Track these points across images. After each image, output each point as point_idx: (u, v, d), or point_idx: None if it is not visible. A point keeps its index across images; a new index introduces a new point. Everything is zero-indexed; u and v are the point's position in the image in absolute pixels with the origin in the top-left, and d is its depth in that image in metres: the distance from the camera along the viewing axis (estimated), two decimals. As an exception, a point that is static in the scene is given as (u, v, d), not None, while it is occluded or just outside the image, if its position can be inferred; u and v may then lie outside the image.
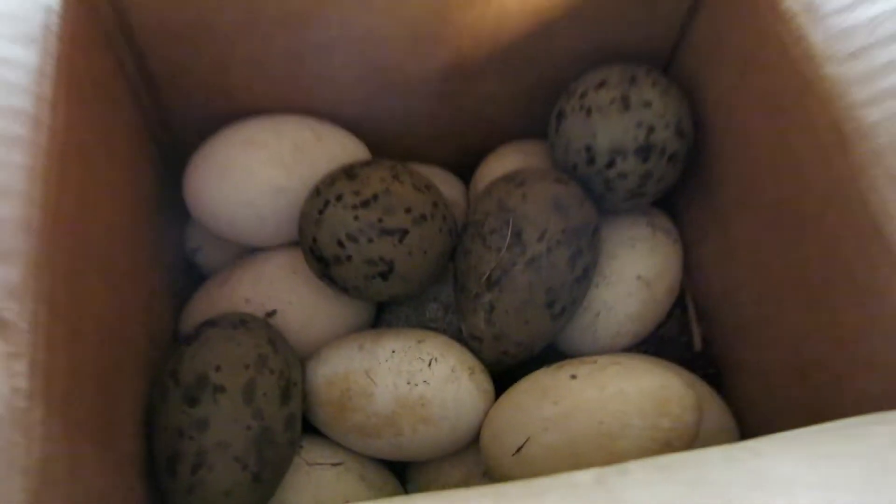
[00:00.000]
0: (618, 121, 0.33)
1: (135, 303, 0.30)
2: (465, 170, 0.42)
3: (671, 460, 0.19)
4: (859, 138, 0.26)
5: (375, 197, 0.31)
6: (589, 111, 0.34)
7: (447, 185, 0.40)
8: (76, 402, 0.22)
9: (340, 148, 0.35)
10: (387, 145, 0.39)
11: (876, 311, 0.26)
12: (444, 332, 0.34)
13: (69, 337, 0.22)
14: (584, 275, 0.32)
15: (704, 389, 0.35)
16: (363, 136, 0.38)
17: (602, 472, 0.19)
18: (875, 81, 0.26)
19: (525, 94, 0.38)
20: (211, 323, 0.30)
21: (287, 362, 0.30)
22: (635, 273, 0.36)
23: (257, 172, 0.33)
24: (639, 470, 0.19)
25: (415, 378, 0.31)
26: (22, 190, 0.22)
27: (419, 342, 0.32)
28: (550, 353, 0.37)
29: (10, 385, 0.19)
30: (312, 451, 0.32)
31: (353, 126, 0.37)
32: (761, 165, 0.32)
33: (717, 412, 0.34)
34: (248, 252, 0.37)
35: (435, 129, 0.40)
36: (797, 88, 0.28)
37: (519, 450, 0.29)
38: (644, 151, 0.33)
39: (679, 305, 0.38)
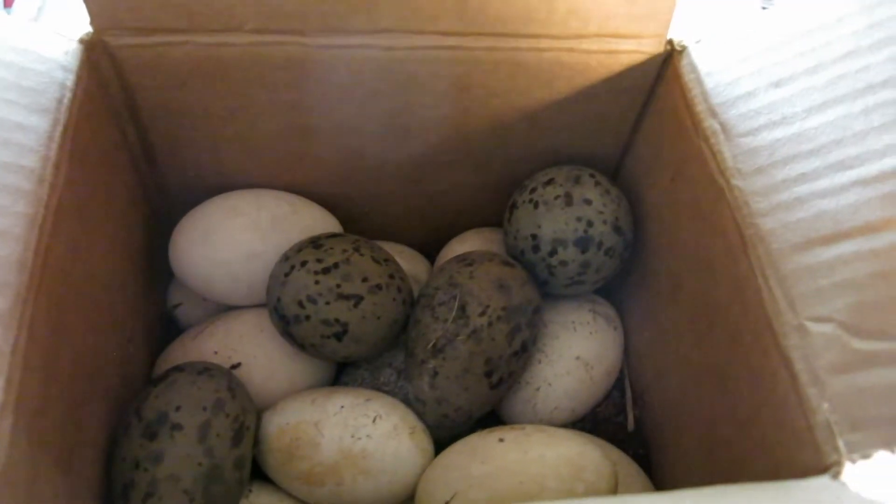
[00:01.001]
0: (560, 214, 0.37)
1: (111, 344, 0.33)
2: (432, 250, 0.46)
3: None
4: (758, 242, 0.29)
5: (336, 265, 0.34)
6: (536, 204, 0.38)
7: (413, 262, 0.43)
8: (43, 423, 0.25)
9: (314, 221, 0.39)
10: (359, 222, 0.43)
11: (766, 396, 0.29)
12: (395, 395, 0.37)
13: (45, 364, 0.26)
14: (523, 349, 0.36)
15: (632, 468, 0.37)
16: (338, 213, 0.42)
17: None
18: (771, 196, 0.30)
19: (488, 186, 0.42)
20: (178, 368, 0.34)
21: (243, 409, 0.33)
22: (574, 354, 0.39)
23: (236, 237, 0.37)
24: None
25: (359, 432, 0.34)
26: (19, 234, 0.26)
27: (367, 400, 0.35)
28: (492, 422, 0.39)
29: (-12, 397, 0.23)
30: (260, 497, 0.35)
31: (328, 202, 0.41)
32: (685, 262, 0.35)
33: (640, 488, 0.36)
34: (223, 310, 0.40)
35: (405, 211, 0.44)
36: (713, 197, 0.32)
37: (446, 504, 0.32)
38: (583, 243, 0.36)
39: (618, 387, 0.41)
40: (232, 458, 0.32)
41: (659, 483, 0.37)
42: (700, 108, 0.33)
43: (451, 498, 0.31)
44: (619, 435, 0.40)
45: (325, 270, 0.34)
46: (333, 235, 0.36)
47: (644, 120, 0.39)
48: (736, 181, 0.31)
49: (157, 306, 0.41)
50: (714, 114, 0.33)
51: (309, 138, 0.38)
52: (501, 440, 0.32)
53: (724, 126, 0.33)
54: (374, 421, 0.34)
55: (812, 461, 0.24)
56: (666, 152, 0.37)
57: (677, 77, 0.35)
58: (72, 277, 0.29)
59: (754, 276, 0.29)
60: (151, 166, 0.39)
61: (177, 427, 0.31)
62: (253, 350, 0.37)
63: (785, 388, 0.26)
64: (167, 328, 0.42)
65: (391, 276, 0.36)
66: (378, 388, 0.38)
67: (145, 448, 0.31)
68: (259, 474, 0.35)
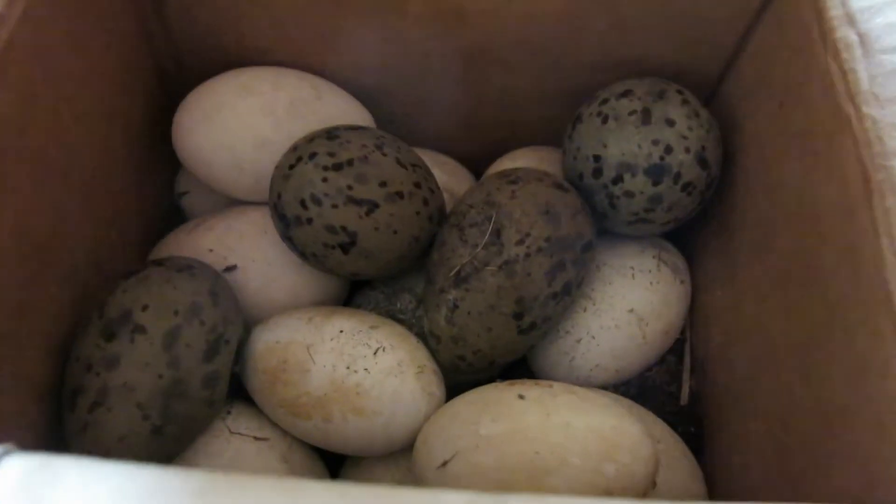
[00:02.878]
0: (633, 133, 0.30)
1: (80, 223, 0.28)
2: (480, 167, 0.39)
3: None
4: (888, 191, 0.22)
5: (350, 162, 0.28)
6: (605, 118, 0.31)
7: (453, 176, 0.37)
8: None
9: (340, 111, 0.33)
10: (398, 125, 0.37)
11: (868, 394, 0.22)
12: (409, 326, 0.32)
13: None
14: (565, 292, 0.29)
15: (679, 449, 0.31)
16: (373, 110, 0.36)
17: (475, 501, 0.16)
18: (916, 129, 0.22)
19: (551, 96, 0.36)
20: (158, 262, 0.29)
21: (224, 318, 0.28)
22: (628, 305, 0.32)
23: (245, 119, 0.32)
24: None
25: (356, 364, 0.28)
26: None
27: (372, 328, 0.29)
28: (520, 373, 0.34)
29: None
30: (239, 421, 0.30)
31: (361, 96, 0.35)
32: (783, 209, 0.28)
33: (685, 475, 0.30)
34: (232, 205, 0.35)
35: (451, 118, 0.37)
36: (834, 129, 0.25)
37: (444, 464, 0.26)
38: (656, 172, 0.30)
39: (675, 352, 0.35)
40: (201, 373, 0.27)
41: (709, 473, 0.31)
42: (835, 12, 0.26)
43: (451, 458, 0.26)
44: (668, 407, 0.33)
45: (337, 167, 0.28)
46: (354, 128, 0.30)
47: (756, 28, 0.31)
48: (869, 109, 0.24)
49: (159, 191, 0.36)
50: (852, 21, 0.25)
51: (344, 10, 0.32)
52: (521, 397, 0.26)
53: (863, 38, 0.25)
54: (375, 353, 0.28)
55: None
56: (778, 70, 0.29)
57: (809, -29, 0.27)
58: (22, 134, 0.24)
59: (876, 236, 0.22)
60: (163, 27, 0.33)
61: (139, 329, 0.26)
62: (252, 253, 0.32)
63: (900, 386, 0.20)
64: (171, 219, 0.37)
65: (417, 185, 0.30)
66: (393, 315, 0.33)
67: (101, 349, 0.26)
68: (243, 395, 0.31)
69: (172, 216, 0.38)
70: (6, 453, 0.16)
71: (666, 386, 0.34)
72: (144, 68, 0.33)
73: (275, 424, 0.30)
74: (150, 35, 0.33)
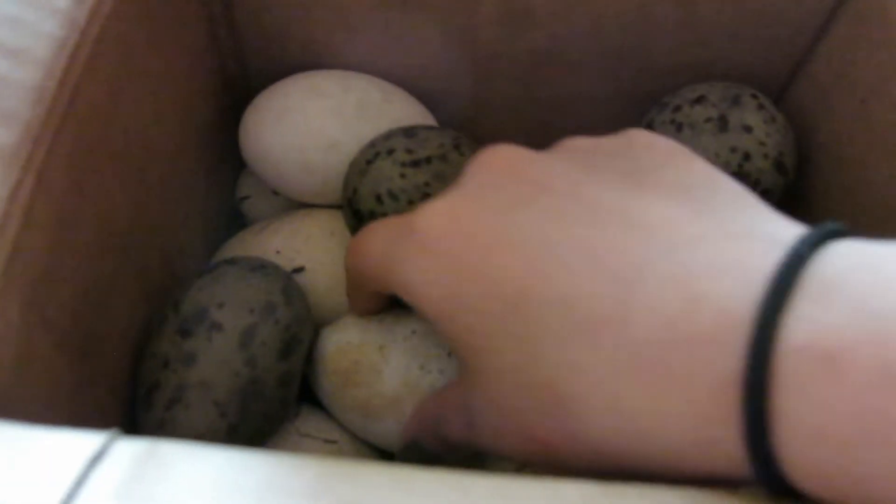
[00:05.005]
0: (710, 141, 0.30)
1: (155, 222, 0.28)
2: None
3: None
4: None
5: (429, 160, 0.28)
6: (680, 127, 0.30)
7: (516, 181, 0.37)
8: (49, 296, 0.21)
9: (407, 114, 0.33)
10: (461, 128, 0.37)
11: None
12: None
13: (57, 223, 0.21)
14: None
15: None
16: (436, 114, 0.36)
17: (594, 492, 0.16)
18: None
19: (615, 99, 0.35)
20: (230, 261, 0.29)
21: (298, 318, 0.28)
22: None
23: (316, 122, 0.32)
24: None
25: (429, 364, 0.28)
26: (41, 58, 0.20)
27: (443, 330, 0.29)
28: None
29: (-32, 245, 0.18)
30: (307, 423, 0.30)
31: (426, 99, 0.35)
32: (871, 214, 0.28)
33: None
34: (294, 208, 0.35)
35: (514, 120, 0.37)
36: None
37: (522, 468, 0.26)
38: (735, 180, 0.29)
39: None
40: (277, 372, 0.27)
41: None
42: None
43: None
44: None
45: (415, 163, 0.28)
46: (431, 127, 0.30)
47: (831, 26, 0.31)
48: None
49: (222, 195, 0.36)
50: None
51: (412, 12, 0.32)
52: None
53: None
54: (449, 354, 0.28)
55: None
56: (858, 68, 0.29)
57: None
58: (109, 128, 0.24)
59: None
60: (230, 31, 0.34)
61: (216, 327, 0.26)
62: (320, 255, 0.32)
63: None
64: (231, 223, 0.37)
65: (491, 185, 0.29)
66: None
67: (177, 346, 0.26)
68: (309, 398, 0.30)
69: (232, 220, 0.38)
70: (114, 438, 0.16)
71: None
72: (212, 71, 0.34)
73: (342, 427, 0.30)
74: (217, 38, 0.33)
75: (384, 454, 0.30)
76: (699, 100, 0.31)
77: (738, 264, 0.16)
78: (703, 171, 0.19)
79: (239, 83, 0.36)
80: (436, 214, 0.20)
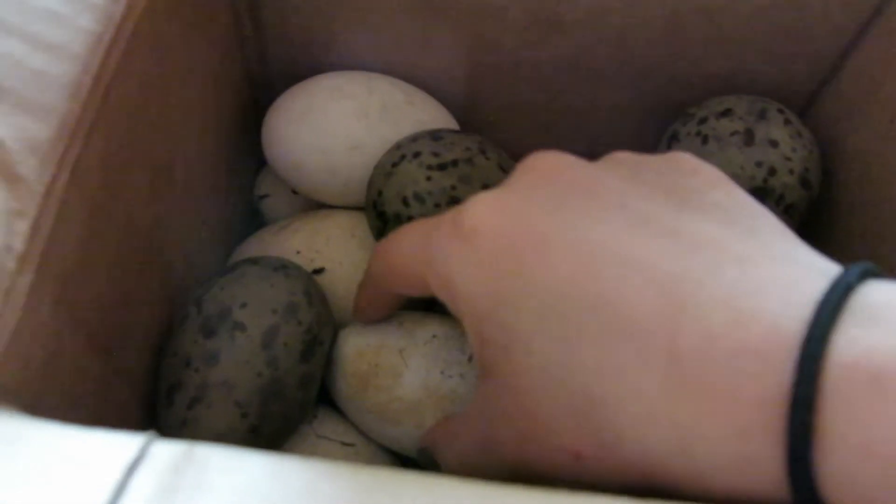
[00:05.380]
0: (736, 155, 0.30)
1: (180, 219, 0.28)
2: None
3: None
4: None
5: (455, 163, 0.28)
6: (706, 139, 0.30)
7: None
8: (78, 291, 0.21)
9: (430, 117, 0.33)
10: (481, 133, 0.37)
11: None
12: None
13: (90, 217, 0.21)
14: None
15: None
16: (457, 118, 0.35)
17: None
18: None
19: (637, 110, 0.35)
20: (252, 261, 0.28)
21: (319, 319, 0.28)
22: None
23: (339, 122, 0.31)
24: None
25: (451, 369, 0.28)
26: (78, 53, 0.20)
27: (465, 333, 0.29)
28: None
29: (4, 242, 0.18)
30: (325, 425, 0.29)
31: (448, 103, 0.35)
32: (893, 229, 0.27)
33: None
34: (314, 208, 0.35)
35: (534, 127, 0.37)
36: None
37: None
38: (759, 195, 0.29)
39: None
40: (298, 374, 0.27)
41: None
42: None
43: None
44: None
45: (441, 167, 0.28)
46: (456, 131, 0.30)
47: (861, 44, 0.31)
48: None
49: (241, 193, 0.36)
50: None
51: (439, 17, 0.32)
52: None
53: None
54: (470, 359, 0.28)
55: None
56: (888, 87, 0.29)
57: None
58: (139, 125, 0.24)
59: None
60: (256, 30, 0.33)
61: (239, 326, 0.26)
62: (340, 256, 0.32)
63: None
64: (250, 222, 0.37)
65: (515, 192, 0.29)
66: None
67: (200, 345, 0.26)
68: (326, 400, 0.30)
69: (251, 218, 0.37)
70: (151, 441, 0.16)
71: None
72: (236, 69, 0.33)
73: (359, 430, 0.30)
74: (243, 37, 0.33)
75: (402, 459, 0.30)
76: (725, 112, 0.31)
77: (785, 285, 0.16)
78: (746, 200, 0.19)
79: (262, 82, 0.35)
80: (484, 208, 0.20)
